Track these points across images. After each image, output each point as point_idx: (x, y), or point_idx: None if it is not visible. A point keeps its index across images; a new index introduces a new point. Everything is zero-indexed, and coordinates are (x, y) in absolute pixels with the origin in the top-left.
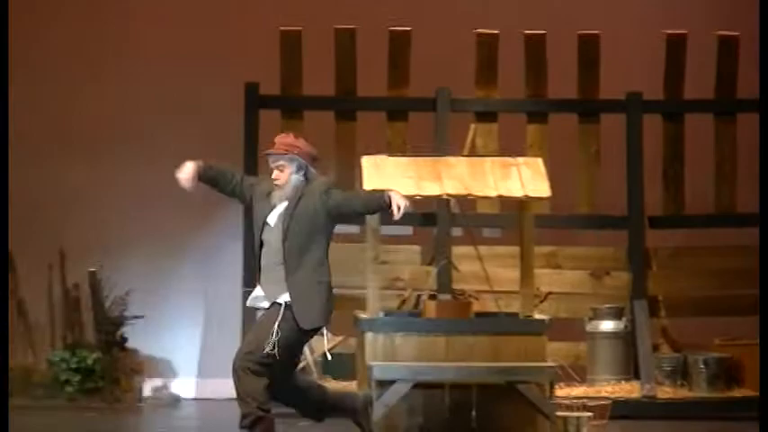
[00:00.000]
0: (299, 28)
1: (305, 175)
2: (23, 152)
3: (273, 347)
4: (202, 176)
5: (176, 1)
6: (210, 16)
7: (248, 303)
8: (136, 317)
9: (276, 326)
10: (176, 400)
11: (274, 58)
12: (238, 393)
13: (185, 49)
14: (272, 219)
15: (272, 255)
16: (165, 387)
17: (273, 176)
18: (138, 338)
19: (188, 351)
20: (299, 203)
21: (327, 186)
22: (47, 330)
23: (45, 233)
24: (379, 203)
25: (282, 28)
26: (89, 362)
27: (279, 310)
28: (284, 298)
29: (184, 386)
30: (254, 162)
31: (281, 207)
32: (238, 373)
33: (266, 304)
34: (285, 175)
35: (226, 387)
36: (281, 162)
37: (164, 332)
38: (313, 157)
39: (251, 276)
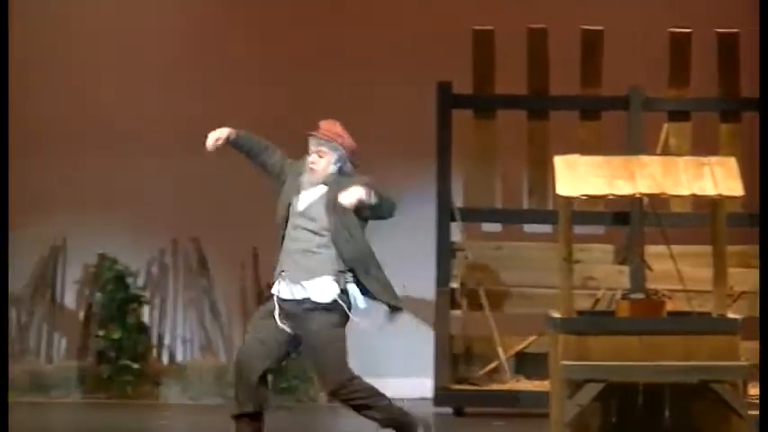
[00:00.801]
0: (492, 27)
1: (341, 168)
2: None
3: None
4: (235, 142)
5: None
6: (401, 15)
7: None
8: None
9: None
10: None
11: (466, 57)
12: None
13: (378, 48)
14: (303, 203)
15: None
16: None
17: (311, 160)
18: None
19: (383, 350)
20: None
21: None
22: (241, 328)
23: (238, 233)
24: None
25: (476, 27)
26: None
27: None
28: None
29: (378, 385)
30: (446, 161)
31: (314, 193)
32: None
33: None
34: (324, 162)
35: (419, 386)
36: (324, 148)
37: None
38: (353, 151)
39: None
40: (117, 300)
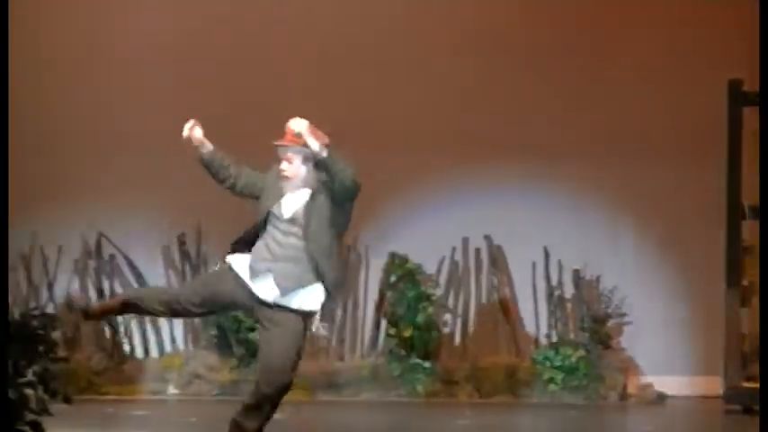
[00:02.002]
0: None
1: (315, 163)
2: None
3: None
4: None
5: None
6: (690, 12)
7: None
8: (620, 314)
9: None
10: (661, 398)
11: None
12: None
13: (666, 48)
14: (288, 210)
15: None
16: (649, 385)
17: (282, 168)
18: (622, 336)
19: (671, 349)
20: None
21: None
22: (531, 328)
23: (529, 232)
24: None
25: None
26: (573, 359)
27: None
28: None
29: (668, 383)
30: (737, 159)
31: (298, 197)
32: None
33: None
34: (294, 167)
35: (709, 385)
36: (289, 153)
37: (645, 330)
38: (325, 144)
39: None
40: (408, 297)
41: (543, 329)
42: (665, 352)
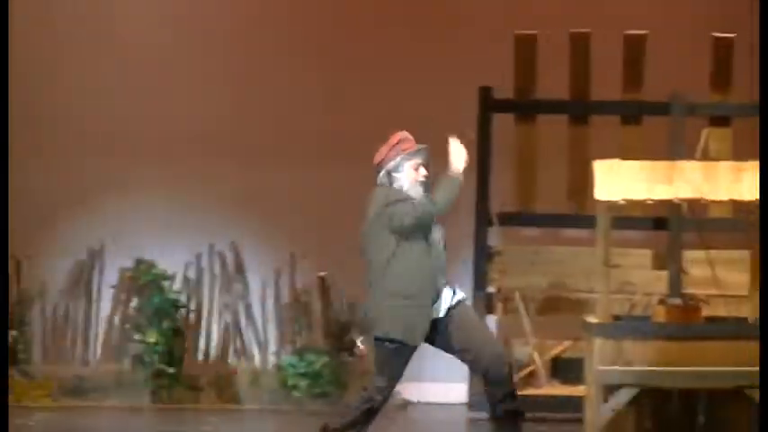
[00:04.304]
0: (535, 32)
1: None
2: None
3: None
4: None
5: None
6: (442, 21)
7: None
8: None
9: None
10: (405, 405)
11: (508, 61)
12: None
13: (417, 55)
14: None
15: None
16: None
17: (424, 173)
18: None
19: (417, 354)
20: None
21: None
22: (275, 335)
23: (275, 238)
24: None
25: (518, 32)
26: (317, 366)
27: None
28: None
29: (413, 390)
30: (486, 166)
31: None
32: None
33: None
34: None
35: (455, 391)
36: (427, 162)
37: None
38: None
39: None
40: (153, 303)
41: (288, 336)
42: (413, 358)
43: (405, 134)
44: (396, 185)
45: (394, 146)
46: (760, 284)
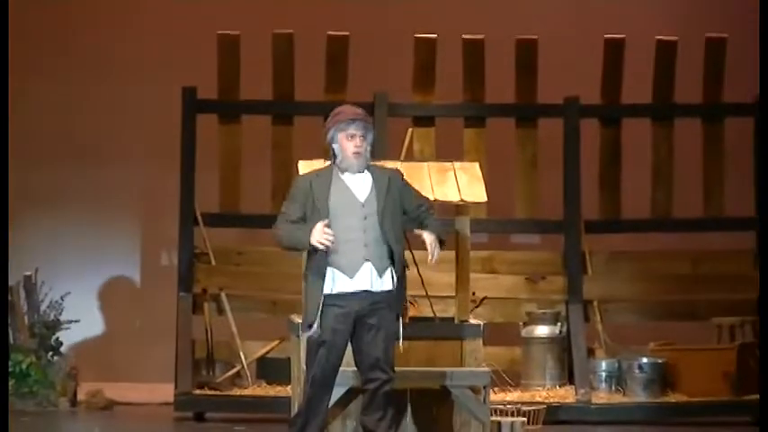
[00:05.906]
0: (237, 32)
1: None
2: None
3: None
4: None
5: (112, 3)
6: (149, 20)
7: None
8: (71, 321)
9: None
10: (111, 405)
11: (212, 62)
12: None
13: (124, 53)
14: (361, 195)
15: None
16: (99, 391)
17: (356, 144)
18: (73, 343)
19: (123, 355)
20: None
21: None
22: None
23: None
24: None
25: (220, 32)
26: (24, 366)
27: None
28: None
29: (119, 390)
30: (190, 166)
31: (361, 179)
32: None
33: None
34: (365, 147)
35: (160, 391)
36: (365, 132)
37: (99, 336)
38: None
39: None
40: None
41: None
42: (119, 358)
43: (346, 106)
44: (338, 158)
45: (332, 118)
46: (760, 285)
